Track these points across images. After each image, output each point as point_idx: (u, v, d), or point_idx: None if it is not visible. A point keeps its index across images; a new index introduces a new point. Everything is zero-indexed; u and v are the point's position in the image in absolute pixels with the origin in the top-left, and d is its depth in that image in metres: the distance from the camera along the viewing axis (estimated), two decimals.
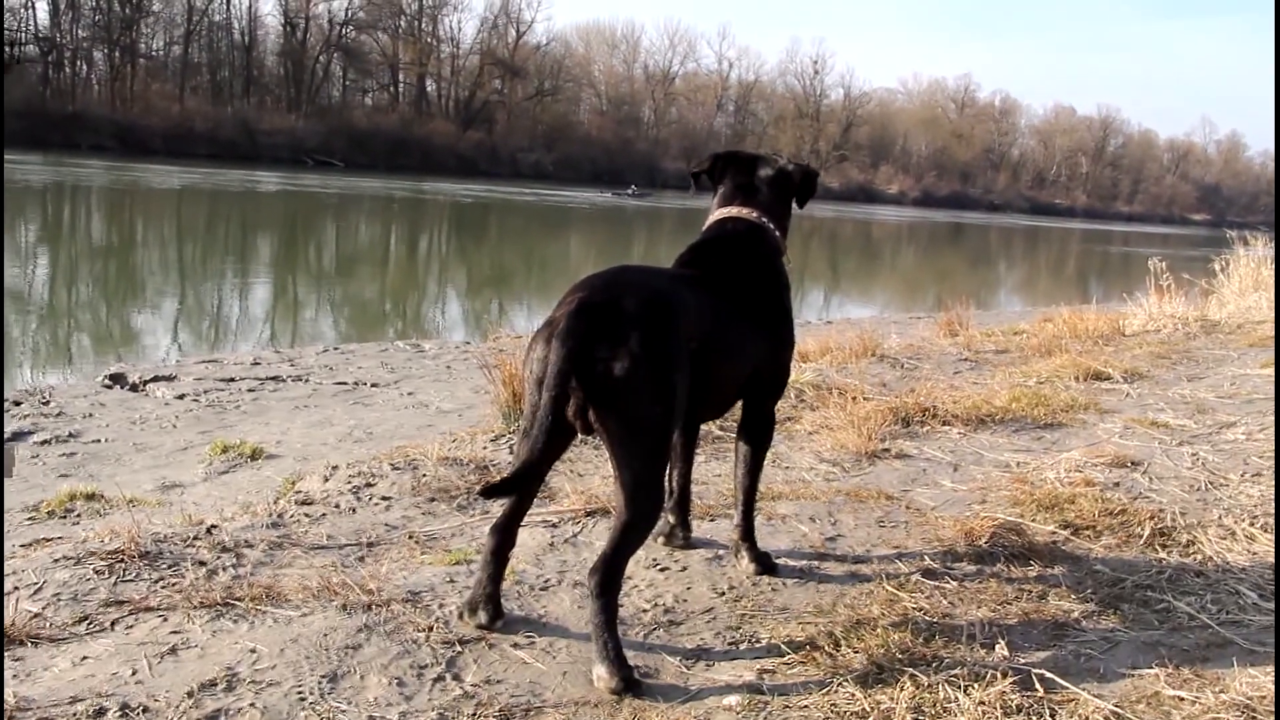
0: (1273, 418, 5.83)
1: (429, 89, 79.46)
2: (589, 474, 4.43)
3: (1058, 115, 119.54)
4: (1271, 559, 3.65)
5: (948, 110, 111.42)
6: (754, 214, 3.35)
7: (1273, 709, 2.57)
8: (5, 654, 2.63)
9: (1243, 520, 4.00)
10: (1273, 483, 4.57)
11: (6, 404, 6.81)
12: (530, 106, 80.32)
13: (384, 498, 4.04)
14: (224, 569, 3.23)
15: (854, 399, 5.78)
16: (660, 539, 3.59)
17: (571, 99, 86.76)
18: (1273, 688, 2.66)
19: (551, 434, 2.48)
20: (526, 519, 3.72)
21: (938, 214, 75.97)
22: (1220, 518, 4.06)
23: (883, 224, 57.73)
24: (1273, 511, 4.12)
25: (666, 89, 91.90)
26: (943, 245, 45.63)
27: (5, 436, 5.92)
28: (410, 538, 3.61)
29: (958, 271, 30.43)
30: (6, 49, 54.34)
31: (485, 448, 4.81)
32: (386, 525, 3.75)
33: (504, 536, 2.85)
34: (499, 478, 2.60)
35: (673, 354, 2.62)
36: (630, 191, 60.27)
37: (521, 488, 2.61)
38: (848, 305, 19.63)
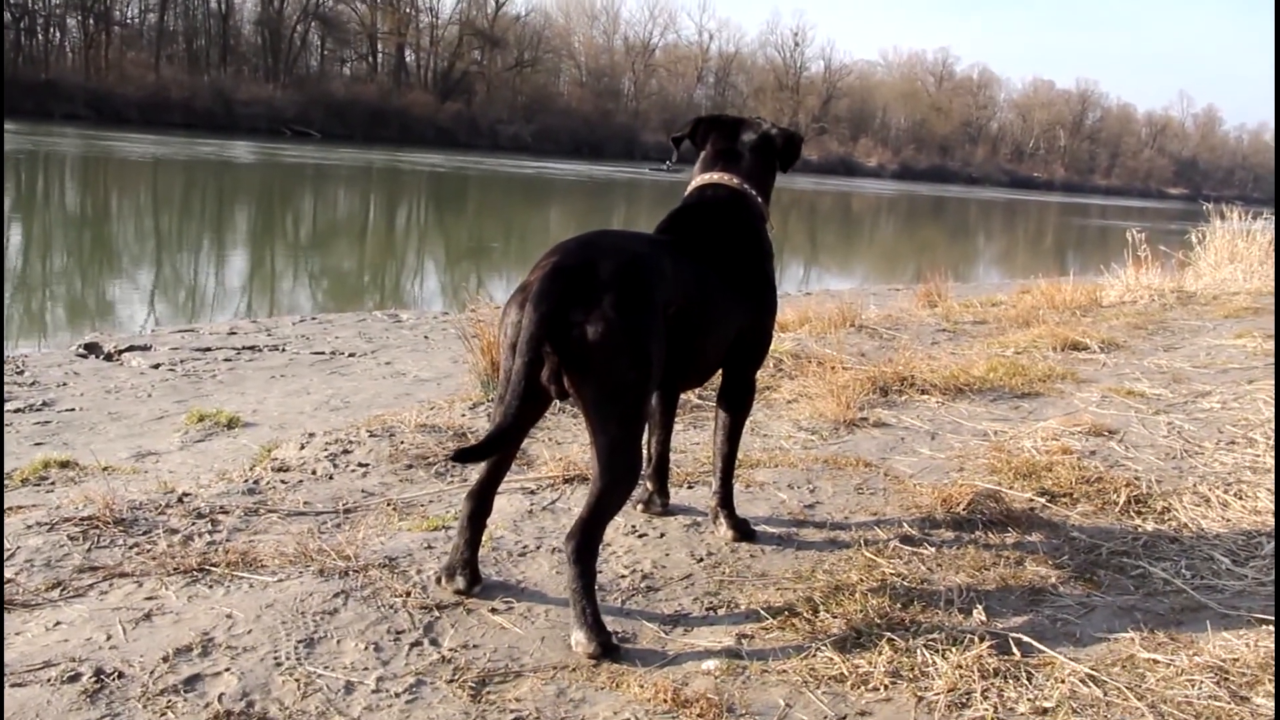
0: (1246, 386, 5.87)
1: (408, 59, 78.85)
2: (567, 442, 4.42)
3: (1036, 89, 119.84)
4: (1244, 525, 3.67)
5: (927, 83, 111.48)
6: (736, 180, 3.32)
7: (1244, 671, 2.58)
8: None
9: (1217, 487, 4.02)
10: (1246, 450, 4.60)
11: None
12: (510, 78, 79.81)
13: (361, 464, 4.01)
14: (199, 535, 3.20)
15: (833, 368, 5.79)
16: (638, 506, 3.59)
17: (551, 70, 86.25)
18: (1245, 650, 2.68)
19: (526, 399, 2.45)
20: (505, 485, 3.71)
21: (917, 187, 76.08)
22: (1195, 485, 4.08)
23: (862, 197, 57.75)
24: (1245, 479, 4.14)
25: (646, 60, 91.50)
26: (922, 218, 45.70)
27: None
28: (388, 504, 3.59)
29: (937, 244, 30.48)
30: None
31: (463, 415, 4.79)
32: (364, 492, 3.73)
33: (480, 502, 2.83)
34: (474, 442, 2.58)
35: (649, 319, 2.60)
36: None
37: (495, 452, 2.58)
38: (827, 277, 19.63)
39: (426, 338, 8.82)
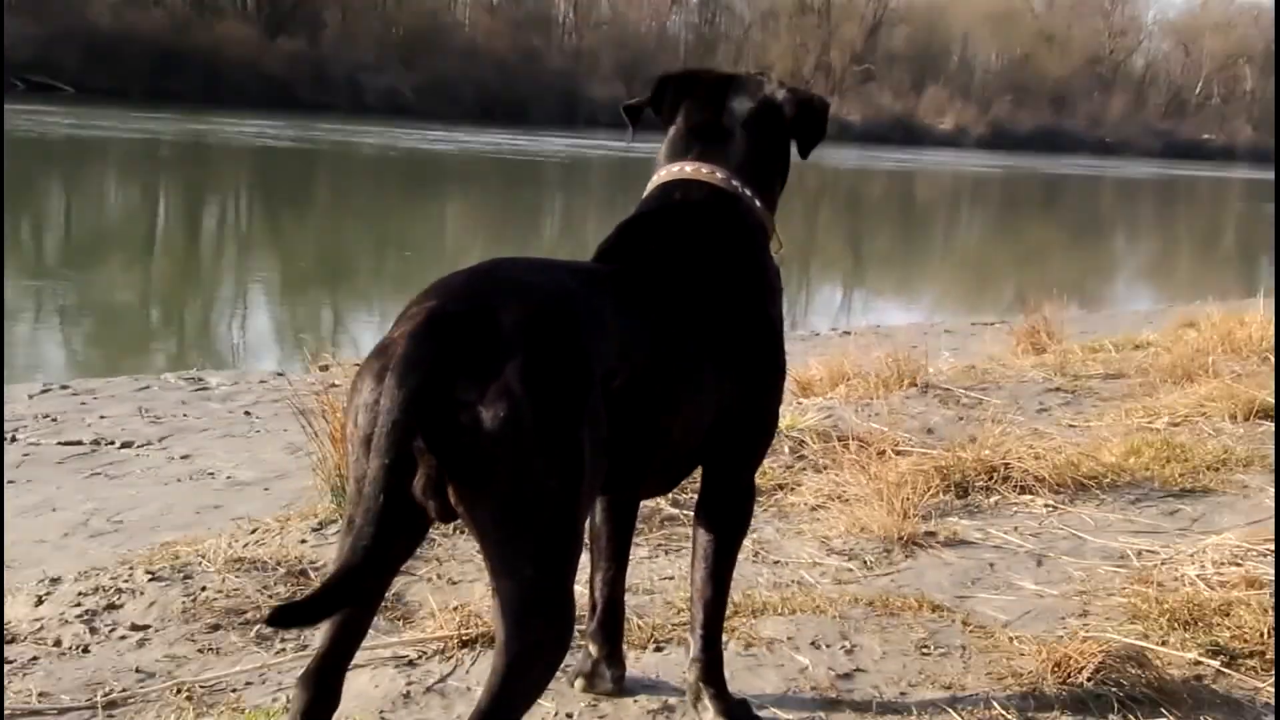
0: None
1: None
2: (466, 580, 4.42)
3: (1206, 3, 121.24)
4: None
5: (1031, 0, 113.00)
6: (719, 174, 3.36)
7: None
8: None
9: None
10: None
11: None
12: (378, 2, 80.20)
13: (136, 626, 3.99)
14: None
15: (882, 453, 5.83)
16: (578, 681, 3.59)
17: None
18: None
19: (387, 524, 2.43)
20: (368, 654, 3.69)
21: (1018, 160, 76.82)
22: None
23: (931, 177, 58.33)
24: None
25: None
26: (1025, 210, 46.12)
27: None
28: (178, 690, 3.56)
29: (1049, 251, 30.75)
30: None
31: (304, 540, 4.78)
32: (139, 671, 3.70)
33: (320, 688, 2.80)
34: (304, 594, 2.57)
35: (578, 395, 2.61)
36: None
37: (339, 608, 2.56)
38: (876, 306, 19.75)
39: (248, 414, 8.79)
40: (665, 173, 3.41)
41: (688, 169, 3.38)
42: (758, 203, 3.38)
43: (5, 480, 6.81)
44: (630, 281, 3.01)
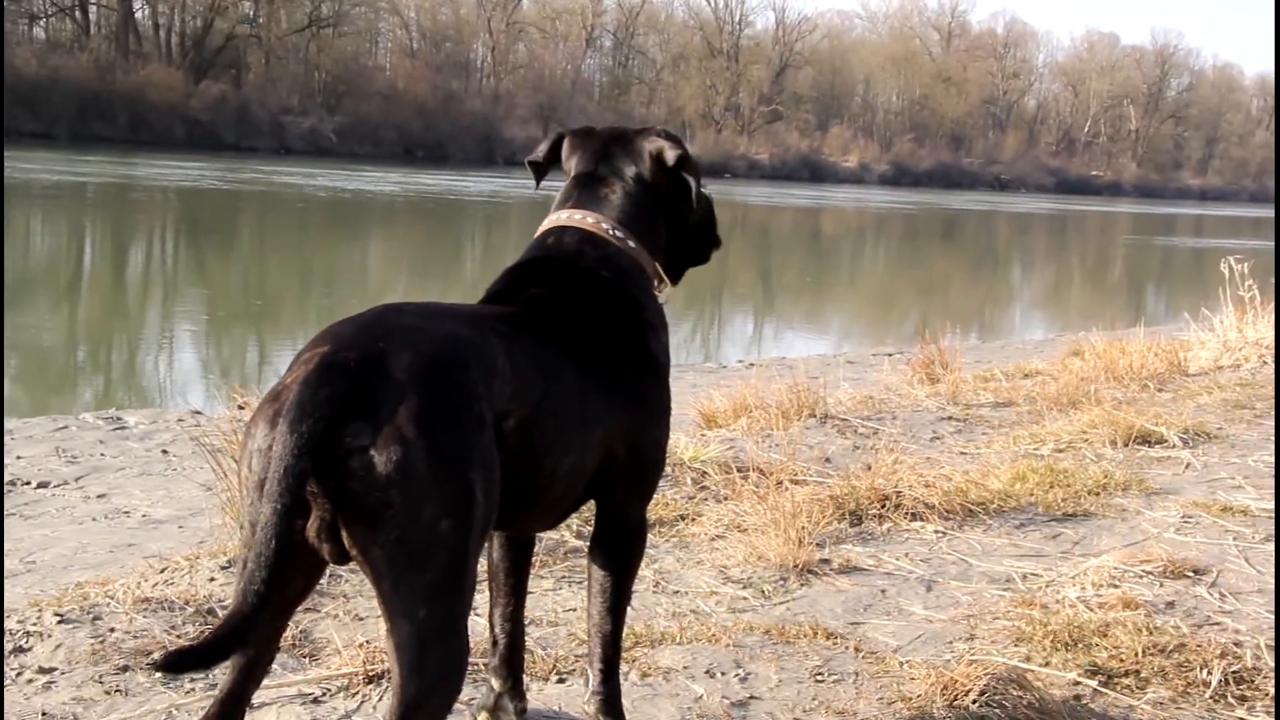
0: None
1: (138, 15, 78.44)
2: (372, 617, 4.37)
3: (1092, 47, 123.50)
4: None
5: (929, 42, 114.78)
6: (590, 219, 3.38)
7: None
8: None
9: None
10: None
11: None
12: (301, 44, 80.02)
13: (43, 670, 3.89)
14: None
15: (780, 483, 5.83)
16: (481, 715, 3.57)
17: (365, 33, 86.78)
18: None
19: (280, 568, 2.42)
20: (276, 691, 3.65)
21: (918, 196, 77.74)
22: None
23: (836, 212, 58.84)
24: None
25: (510, 18, 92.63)
26: (926, 244, 46.59)
27: None
28: None
29: (948, 283, 31.10)
30: None
31: (213, 579, 4.71)
32: (46, 715, 3.62)
33: None
34: (197, 639, 2.53)
35: (469, 436, 2.60)
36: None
37: (232, 652, 2.53)
38: (781, 337, 19.85)
39: (166, 452, 8.67)
40: (549, 220, 3.44)
41: (564, 216, 3.41)
42: (632, 243, 3.40)
43: None
44: (517, 323, 3.01)
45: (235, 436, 5.54)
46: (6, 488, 7.58)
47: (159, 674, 2.50)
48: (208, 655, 2.45)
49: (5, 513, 7.10)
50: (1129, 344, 10.78)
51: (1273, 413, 8.66)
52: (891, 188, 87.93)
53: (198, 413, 10.35)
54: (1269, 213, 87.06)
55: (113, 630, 4.17)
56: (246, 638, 2.50)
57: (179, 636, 4.13)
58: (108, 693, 3.78)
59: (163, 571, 4.82)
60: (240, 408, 7.62)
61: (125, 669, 3.93)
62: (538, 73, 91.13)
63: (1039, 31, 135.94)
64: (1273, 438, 7.76)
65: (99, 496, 7.35)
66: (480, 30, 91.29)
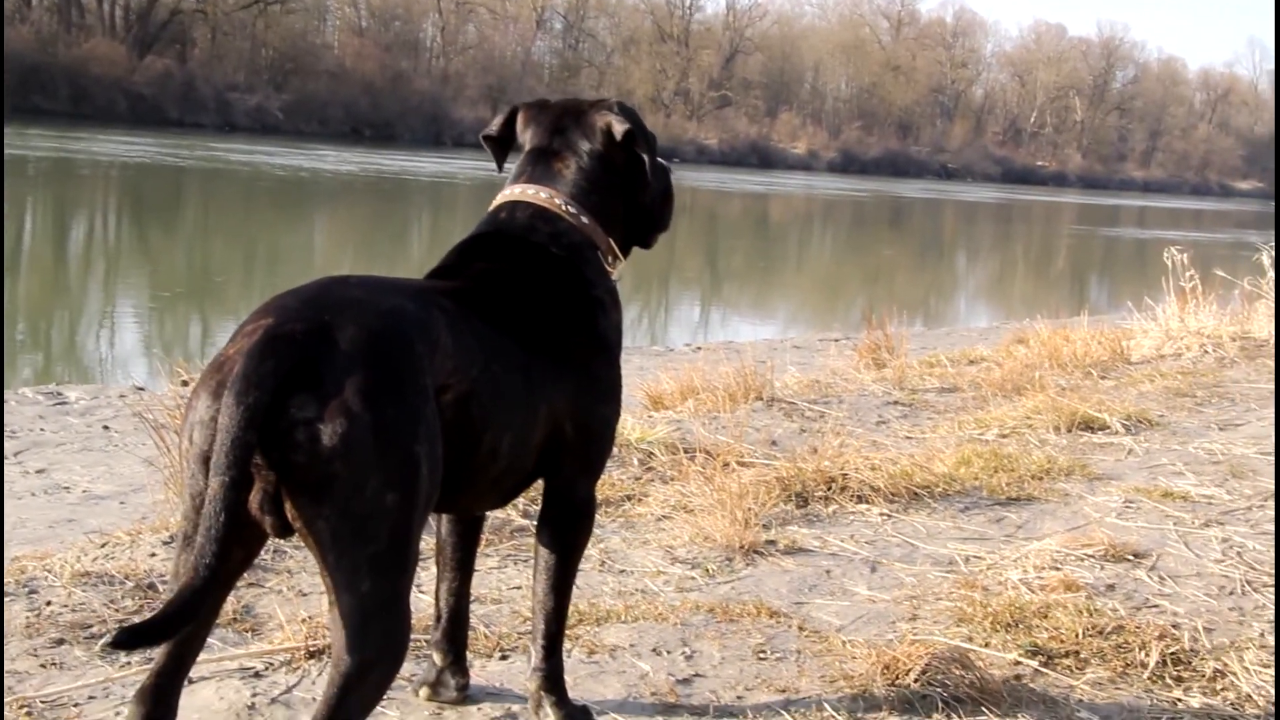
0: None
1: None
2: (315, 591, 4.34)
3: (1039, 38, 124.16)
4: None
5: (878, 30, 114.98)
6: (543, 194, 3.36)
7: None
8: None
9: None
10: None
11: None
12: (248, 21, 79.36)
13: None
14: None
15: (727, 465, 5.83)
16: (423, 690, 3.56)
17: (313, 10, 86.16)
18: None
19: (226, 542, 2.40)
20: (216, 665, 3.63)
21: (865, 184, 77.92)
22: (1263, 634, 4.23)
23: (784, 199, 58.90)
24: None
25: None
26: (873, 231, 46.79)
27: None
28: (19, 705, 3.46)
29: (893, 270, 31.21)
30: None
31: (154, 554, 4.66)
32: None
33: (156, 703, 2.73)
34: (148, 613, 2.51)
35: (414, 410, 2.59)
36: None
37: (181, 628, 2.51)
38: (729, 322, 19.88)
39: (107, 428, 8.59)
40: (502, 195, 3.42)
41: (516, 191, 3.39)
42: (585, 219, 3.37)
43: None
44: (461, 299, 2.99)
45: (178, 412, 5.49)
46: None
47: (110, 650, 2.47)
48: (160, 630, 2.45)
49: None
50: (1073, 332, 10.86)
51: (1216, 397, 8.75)
52: (840, 175, 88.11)
53: (140, 388, 10.24)
54: (1210, 205, 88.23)
55: (49, 604, 4.13)
56: (198, 611, 2.50)
57: (118, 610, 4.08)
58: (43, 665, 3.74)
59: (103, 546, 4.77)
60: (184, 383, 7.56)
61: (61, 642, 3.89)
62: (487, 54, 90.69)
63: (987, 21, 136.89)
64: (1214, 422, 7.85)
65: (38, 472, 7.28)
66: (430, 9, 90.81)
